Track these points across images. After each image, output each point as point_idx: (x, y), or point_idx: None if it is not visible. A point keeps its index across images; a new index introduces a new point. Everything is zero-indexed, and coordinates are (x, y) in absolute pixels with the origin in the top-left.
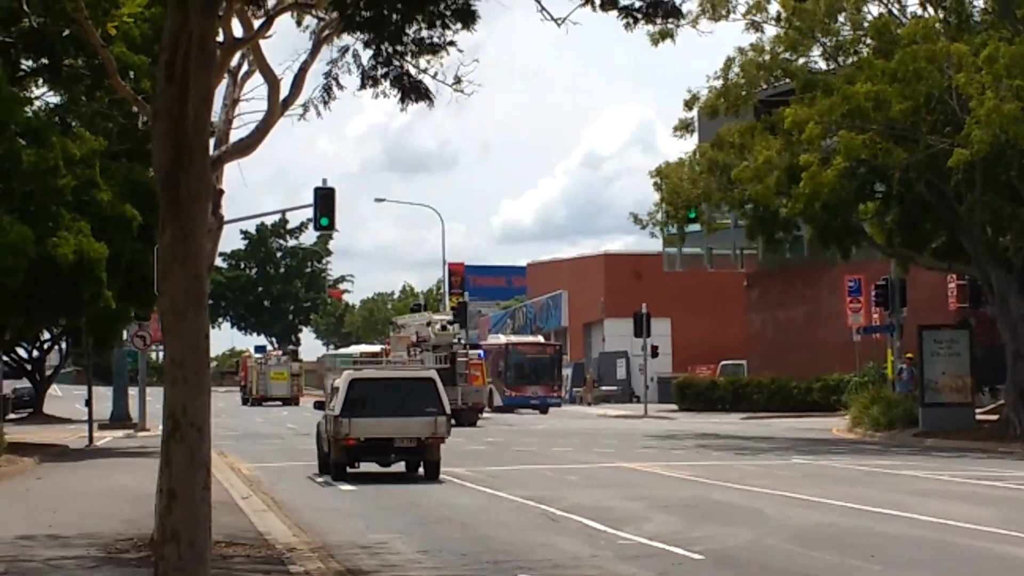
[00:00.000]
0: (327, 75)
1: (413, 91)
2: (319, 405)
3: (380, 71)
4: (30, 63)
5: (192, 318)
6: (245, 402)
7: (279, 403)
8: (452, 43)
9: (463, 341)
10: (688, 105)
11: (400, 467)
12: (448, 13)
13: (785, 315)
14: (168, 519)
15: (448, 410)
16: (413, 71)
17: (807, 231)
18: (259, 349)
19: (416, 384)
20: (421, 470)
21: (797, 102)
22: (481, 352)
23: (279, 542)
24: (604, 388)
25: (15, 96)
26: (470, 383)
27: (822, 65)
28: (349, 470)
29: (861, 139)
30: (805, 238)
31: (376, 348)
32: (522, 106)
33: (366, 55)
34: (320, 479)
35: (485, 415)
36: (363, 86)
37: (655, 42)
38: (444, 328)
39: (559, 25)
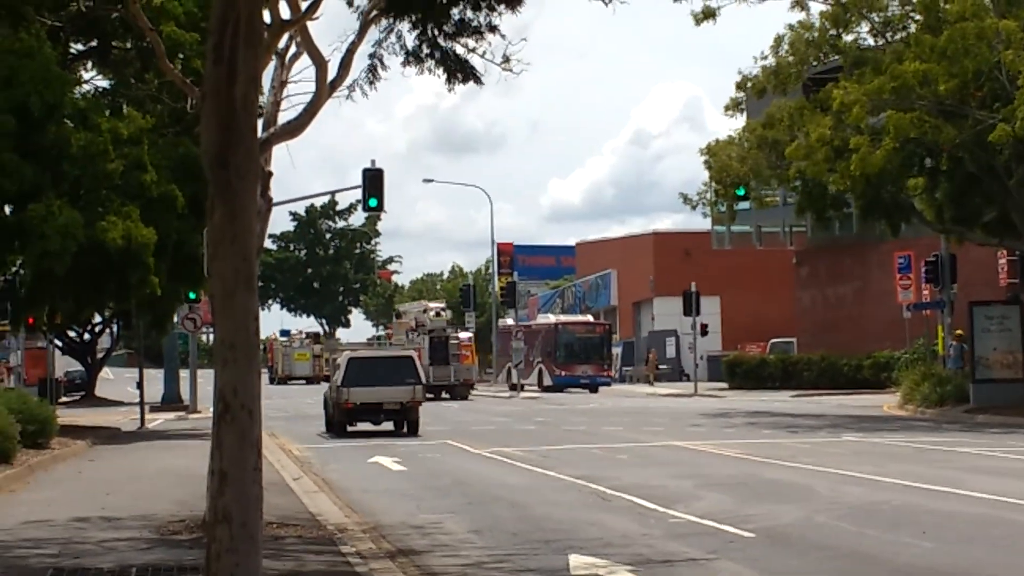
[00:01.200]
0: (372, 56)
1: (460, 70)
2: (326, 379)
3: (425, 51)
4: (79, 46)
5: (241, 299)
6: (271, 381)
7: (303, 382)
8: (495, 26)
9: (455, 325)
10: (739, 87)
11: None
12: None
13: (835, 292)
14: (220, 500)
15: (423, 380)
16: (460, 51)
17: (856, 207)
18: (284, 333)
19: (399, 360)
20: (405, 428)
21: (846, 79)
22: (469, 335)
23: (330, 523)
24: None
25: (64, 78)
26: (461, 362)
27: (871, 41)
28: (348, 428)
29: (909, 118)
30: (854, 214)
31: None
32: (570, 85)
33: (410, 37)
34: (370, 460)
35: (534, 394)
36: (406, 65)
37: (698, 22)
38: (438, 315)
39: (607, 4)
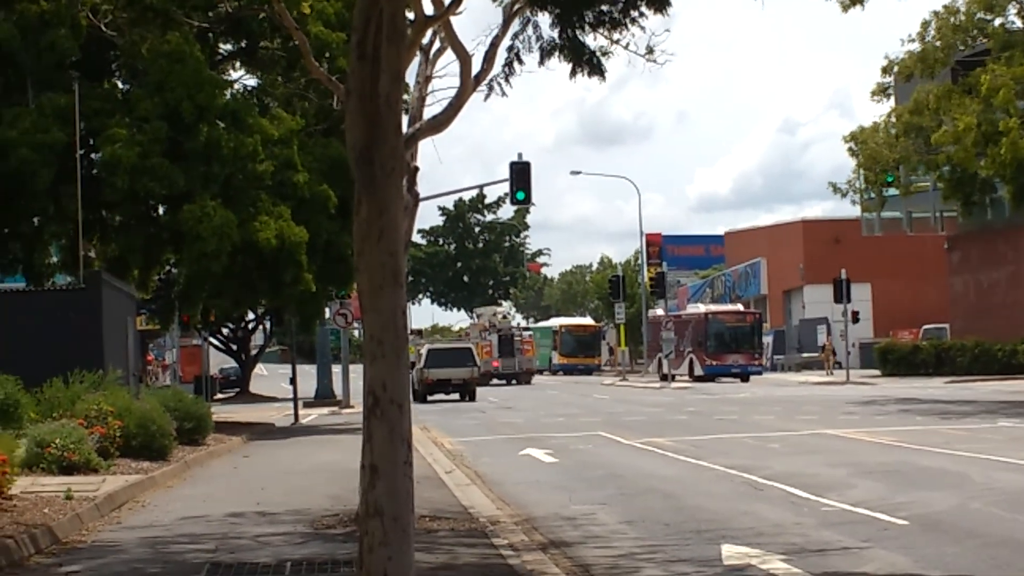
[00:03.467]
0: (509, 49)
1: (586, 64)
2: (412, 364)
3: (557, 43)
4: (228, 47)
5: (389, 294)
6: None
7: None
8: (634, 20)
9: (520, 325)
10: (885, 71)
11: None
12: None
13: (987, 277)
14: (371, 494)
15: (478, 363)
16: (592, 44)
17: (1006, 192)
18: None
19: (462, 351)
20: (467, 398)
21: (994, 62)
22: (530, 333)
23: (482, 515)
24: (805, 355)
25: (216, 80)
26: (524, 355)
27: (1019, 24)
28: (428, 398)
29: None
30: (1005, 199)
31: (578, 320)
32: (716, 74)
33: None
34: (522, 452)
35: (685, 384)
36: (542, 62)
37: (845, 8)
38: (504, 317)
39: None
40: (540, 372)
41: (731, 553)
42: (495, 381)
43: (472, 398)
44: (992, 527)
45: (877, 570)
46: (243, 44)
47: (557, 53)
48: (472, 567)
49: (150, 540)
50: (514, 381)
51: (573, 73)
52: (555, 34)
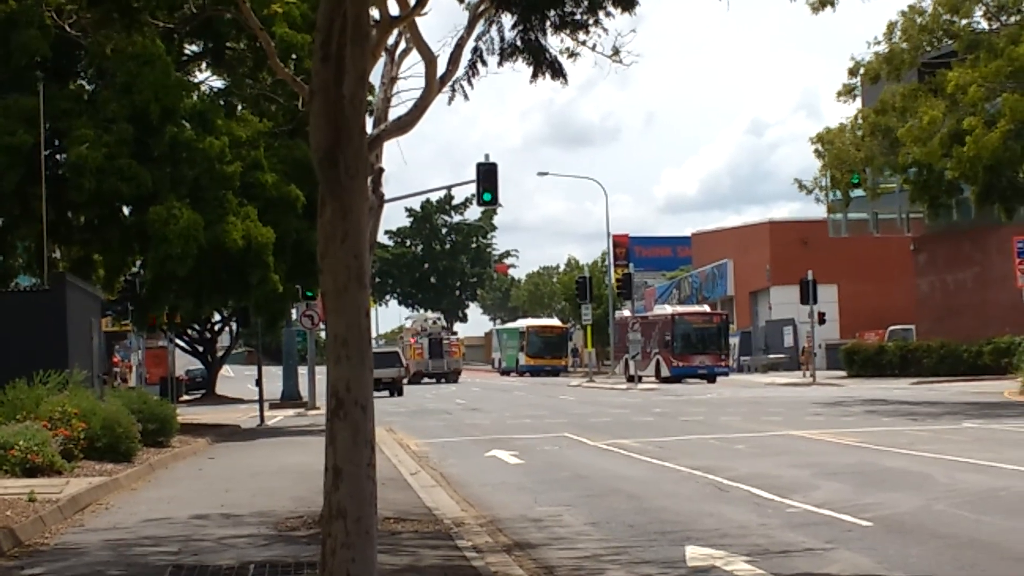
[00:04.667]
0: (473, 51)
1: (548, 67)
2: None
3: (518, 45)
4: (194, 48)
5: (353, 296)
6: None
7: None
8: (598, 21)
9: (447, 328)
10: (852, 72)
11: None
12: None
13: (953, 278)
14: (334, 496)
15: (405, 364)
16: (557, 45)
17: (971, 193)
18: None
19: (390, 353)
20: (395, 394)
21: (960, 64)
22: (458, 337)
23: (447, 517)
24: (771, 356)
25: (182, 83)
26: (451, 356)
27: (984, 25)
28: None
29: None
30: (970, 200)
31: (544, 322)
32: (685, 76)
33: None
34: (488, 454)
35: (652, 386)
36: (501, 64)
37: (815, 10)
38: (434, 323)
39: None
40: (508, 373)
41: (695, 554)
42: (426, 380)
43: (400, 393)
44: (956, 528)
45: (841, 571)
46: (210, 45)
47: (518, 55)
48: (436, 569)
49: (113, 543)
50: (443, 380)
51: (534, 76)
52: (516, 36)
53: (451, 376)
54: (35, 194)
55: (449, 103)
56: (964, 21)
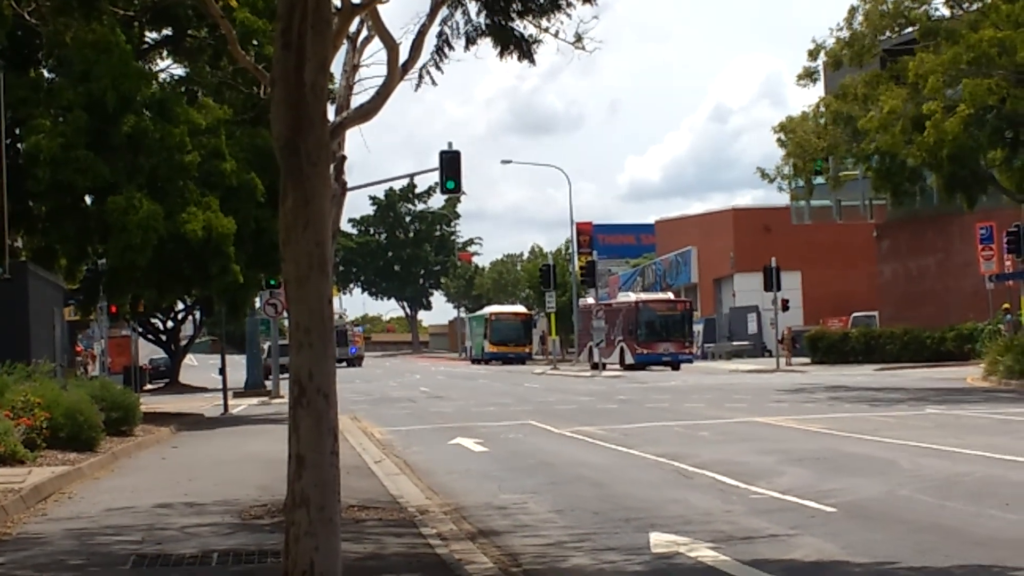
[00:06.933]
0: (439, 36)
1: (514, 46)
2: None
3: (484, 29)
4: (154, 35)
5: (315, 284)
6: None
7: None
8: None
9: (351, 323)
10: (812, 55)
11: None
12: None
13: (916, 265)
14: (297, 484)
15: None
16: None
17: (934, 180)
18: None
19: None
20: None
21: (921, 50)
22: (360, 328)
23: (412, 505)
24: (735, 343)
25: (141, 72)
26: (355, 344)
27: (945, 12)
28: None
29: (987, 85)
30: (933, 187)
31: (508, 308)
32: (648, 63)
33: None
34: (452, 441)
35: (616, 373)
36: (467, 47)
37: None
38: (340, 317)
39: None
40: (478, 362)
41: (659, 541)
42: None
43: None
44: (919, 513)
45: (805, 556)
46: (170, 32)
47: (485, 37)
48: (400, 556)
49: (76, 532)
50: (346, 364)
51: (502, 55)
52: (483, 19)
53: (354, 361)
54: None
55: (416, 89)
56: (924, 8)
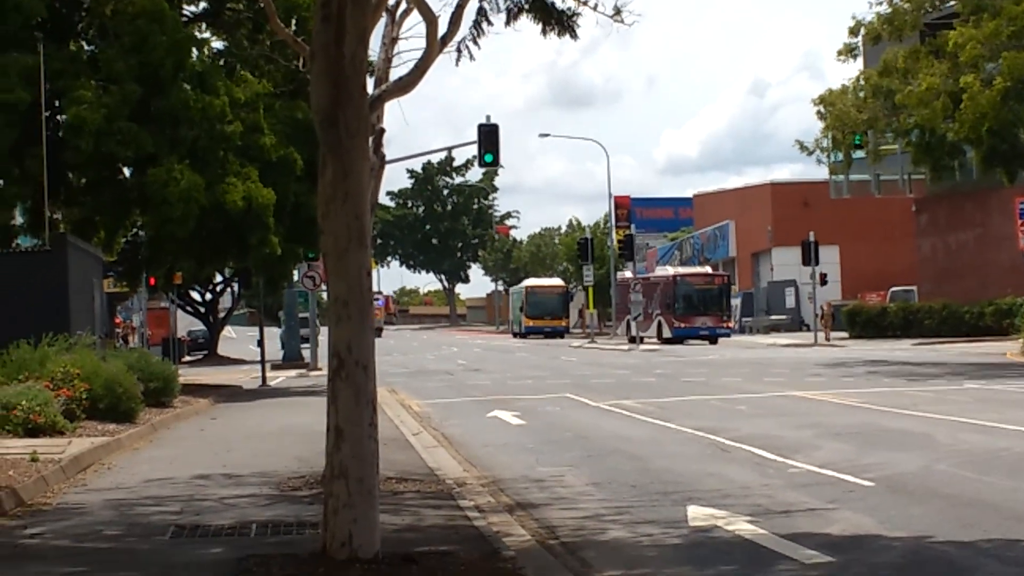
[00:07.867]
0: (478, 11)
1: (556, 23)
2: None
3: (524, 5)
4: (193, 8)
5: (354, 256)
6: None
7: None
8: None
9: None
10: (852, 31)
11: None
12: None
13: (955, 239)
14: (336, 456)
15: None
16: (560, 4)
17: (974, 155)
18: None
19: None
20: None
21: (963, 24)
22: (380, 301)
23: (449, 477)
24: (773, 317)
25: (193, 38)
26: (376, 316)
27: None
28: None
29: None
30: (972, 162)
31: (544, 281)
32: (687, 37)
33: None
34: (489, 414)
35: (653, 347)
36: (508, 23)
37: None
38: None
39: None
40: (514, 335)
41: (697, 514)
42: None
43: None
44: (958, 488)
45: (842, 531)
46: (209, 5)
47: (525, 14)
48: (438, 528)
49: (115, 502)
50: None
51: (544, 32)
52: None
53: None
54: (32, 154)
55: (456, 64)
56: None
